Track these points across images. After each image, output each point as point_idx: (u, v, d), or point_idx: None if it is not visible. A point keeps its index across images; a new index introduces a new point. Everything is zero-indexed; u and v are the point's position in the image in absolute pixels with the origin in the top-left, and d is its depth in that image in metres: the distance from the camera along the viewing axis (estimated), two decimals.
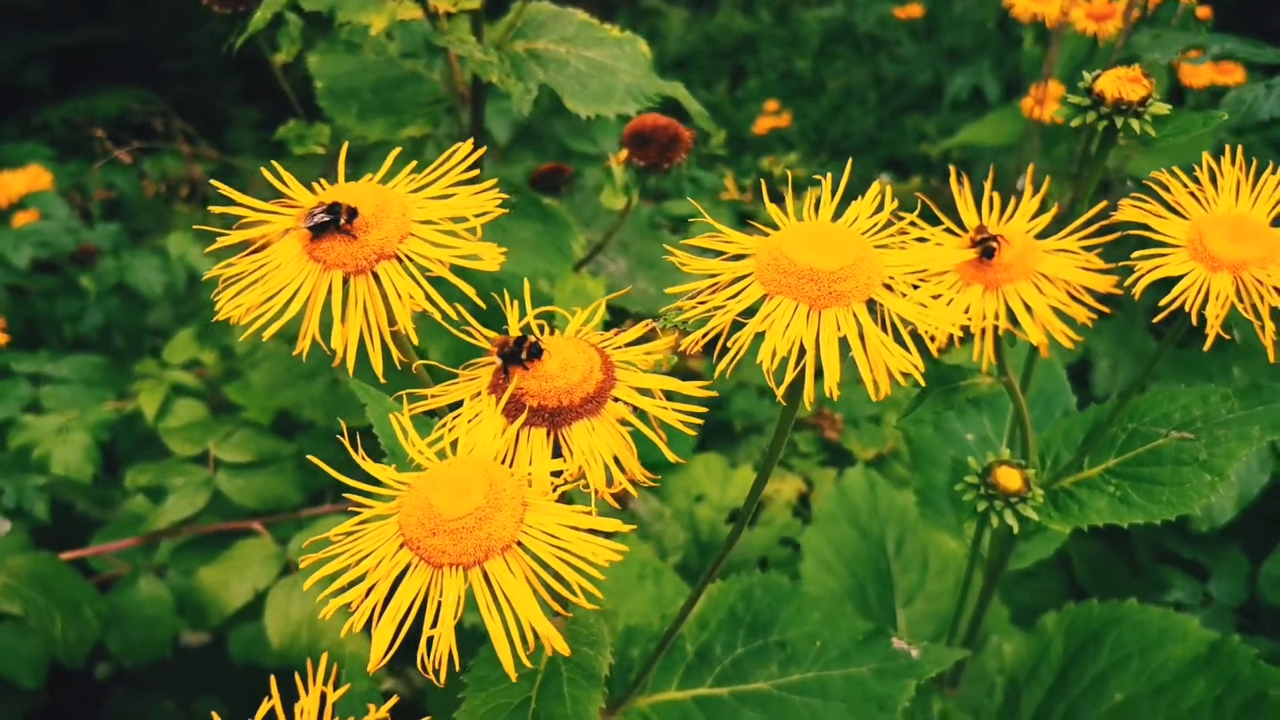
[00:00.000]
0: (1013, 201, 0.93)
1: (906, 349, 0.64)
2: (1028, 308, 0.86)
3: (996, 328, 0.87)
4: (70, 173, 2.92)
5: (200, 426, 1.61)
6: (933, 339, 0.88)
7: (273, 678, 0.72)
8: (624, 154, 1.31)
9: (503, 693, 0.75)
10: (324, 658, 0.73)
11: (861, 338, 0.63)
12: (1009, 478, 0.93)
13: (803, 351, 0.63)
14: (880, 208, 0.71)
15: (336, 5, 1.27)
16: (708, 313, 0.65)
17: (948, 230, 0.90)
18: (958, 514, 1.09)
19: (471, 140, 0.71)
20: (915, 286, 0.67)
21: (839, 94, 4.67)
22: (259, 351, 1.70)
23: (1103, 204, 0.89)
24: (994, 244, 0.86)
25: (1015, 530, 0.93)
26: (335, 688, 0.72)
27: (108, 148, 2.00)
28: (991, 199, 0.91)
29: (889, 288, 0.66)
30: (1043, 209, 0.92)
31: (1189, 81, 2.25)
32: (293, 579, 1.42)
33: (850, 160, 0.78)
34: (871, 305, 0.65)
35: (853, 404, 2.02)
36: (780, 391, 0.63)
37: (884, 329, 0.64)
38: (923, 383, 0.67)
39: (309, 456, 0.71)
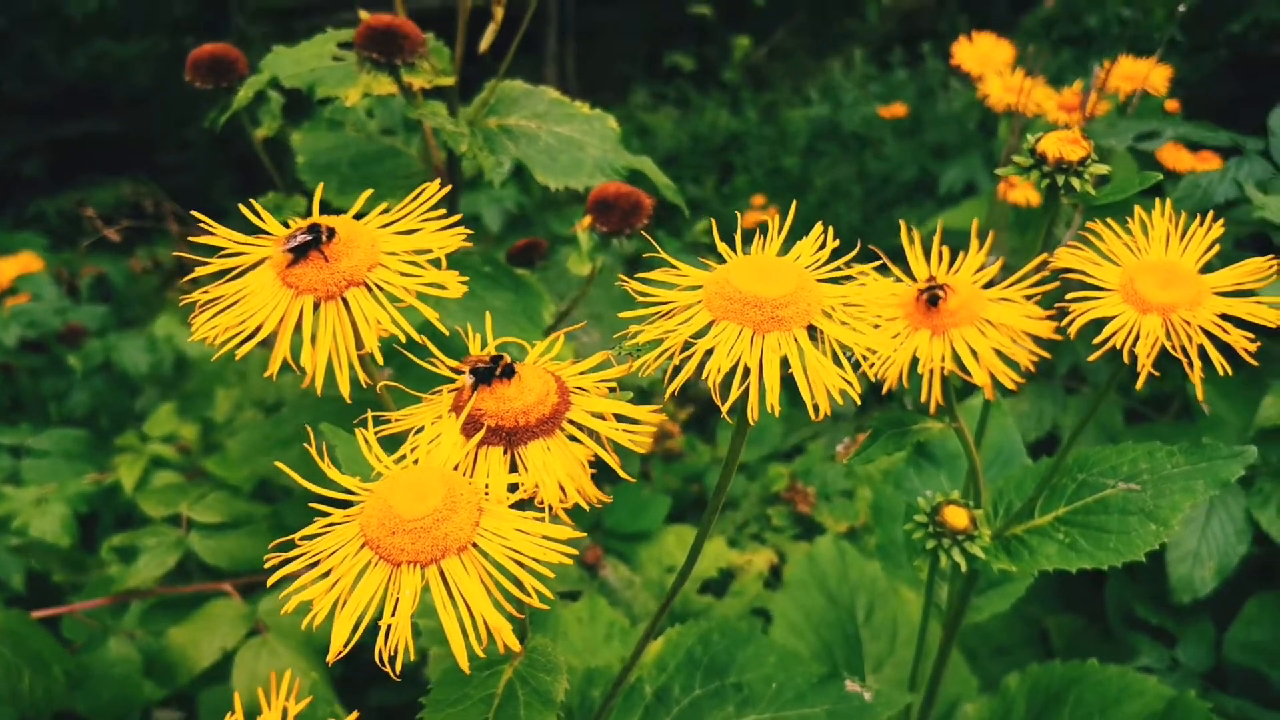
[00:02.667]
0: (961, 255, 0.98)
1: (848, 375, 0.68)
2: (973, 351, 0.90)
3: (945, 371, 0.91)
4: (64, 260, 2.99)
5: (175, 489, 1.63)
6: (883, 381, 0.93)
7: (236, 694, 0.74)
8: (588, 220, 1.36)
9: (460, 714, 0.77)
10: (290, 682, 0.74)
11: (802, 359, 0.67)
12: (956, 516, 0.96)
13: (747, 371, 0.67)
14: (823, 246, 0.75)
15: (315, 81, 1.32)
16: (660, 336, 0.69)
17: (898, 280, 0.95)
18: (914, 557, 1.12)
19: (439, 180, 0.76)
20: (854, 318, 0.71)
21: (825, 190, 4.79)
22: (237, 420, 1.72)
23: (1043, 256, 0.94)
24: (940, 291, 0.91)
25: (963, 568, 0.95)
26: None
27: (97, 225, 2.05)
28: (940, 253, 0.96)
29: (828, 316, 0.70)
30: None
31: (1173, 166, 2.32)
32: (261, 639, 1.43)
33: (795, 203, 0.83)
34: (812, 331, 0.69)
35: (826, 478, 2.05)
36: (725, 408, 0.67)
37: (824, 353, 0.68)
38: (858, 401, 0.71)
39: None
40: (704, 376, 0.66)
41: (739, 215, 1.07)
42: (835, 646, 1.50)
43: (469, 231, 0.73)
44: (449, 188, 0.75)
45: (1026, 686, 1.33)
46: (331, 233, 0.70)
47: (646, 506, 1.89)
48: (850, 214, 4.55)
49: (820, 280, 0.72)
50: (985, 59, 2.69)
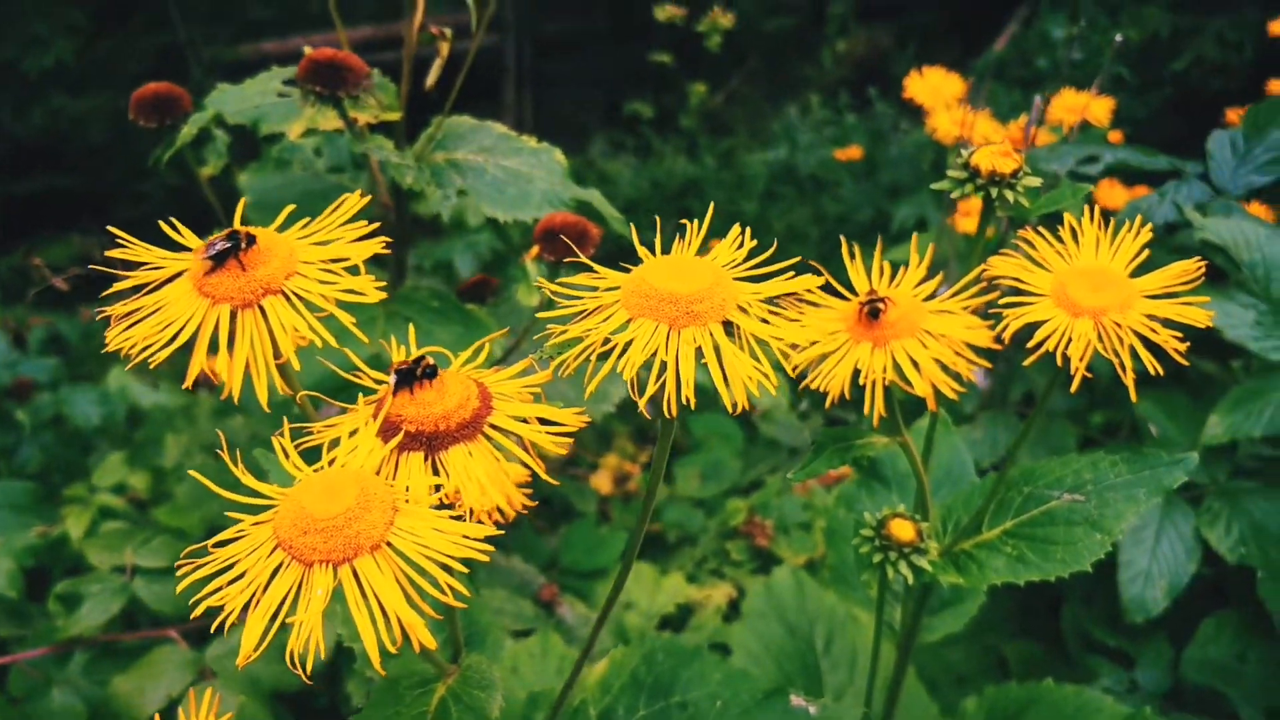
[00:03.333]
0: (902, 270, 0.98)
1: (764, 368, 0.67)
2: (914, 362, 0.90)
3: (886, 382, 0.91)
4: (15, 316, 2.95)
5: (120, 534, 1.60)
6: (825, 393, 0.92)
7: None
8: (535, 250, 1.36)
9: None
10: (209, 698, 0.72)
11: (717, 353, 0.67)
12: (902, 529, 0.96)
13: (664, 367, 0.66)
14: (740, 246, 0.75)
15: (260, 117, 1.32)
16: (580, 335, 0.69)
17: (840, 296, 0.95)
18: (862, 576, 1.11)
19: (359, 191, 0.75)
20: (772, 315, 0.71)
21: (784, 233, 4.82)
22: (186, 465, 1.70)
23: (981, 268, 0.94)
24: (880, 303, 0.90)
25: (910, 580, 0.94)
26: None
27: (45, 274, 2.02)
28: (882, 268, 0.96)
29: (744, 311, 0.69)
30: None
31: (1105, 203, 2.36)
32: (207, 686, 1.40)
33: (712, 204, 0.83)
34: (729, 327, 0.69)
35: (784, 511, 2.04)
36: (642, 402, 0.66)
37: (741, 347, 0.68)
38: (774, 393, 0.70)
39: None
40: (619, 370, 0.66)
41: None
42: (795, 676, 1.49)
43: (387, 240, 0.73)
44: (369, 198, 0.74)
45: (984, 709, 1.32)
46: (251, 239, 0.69)
47: (602, 544, 1.88)
48: (808, 255, 4.59)
49: (737, 279, 0.72)
50: (936, 92, 2.74)
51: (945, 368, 0.91)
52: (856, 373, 0.90)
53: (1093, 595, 1.72)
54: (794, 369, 0.88)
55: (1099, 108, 2.50)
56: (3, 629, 1.70)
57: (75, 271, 2.20)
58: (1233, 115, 2.38)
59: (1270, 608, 1.51)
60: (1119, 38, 2.05)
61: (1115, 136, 2.60)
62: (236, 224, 0.75)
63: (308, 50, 1.25)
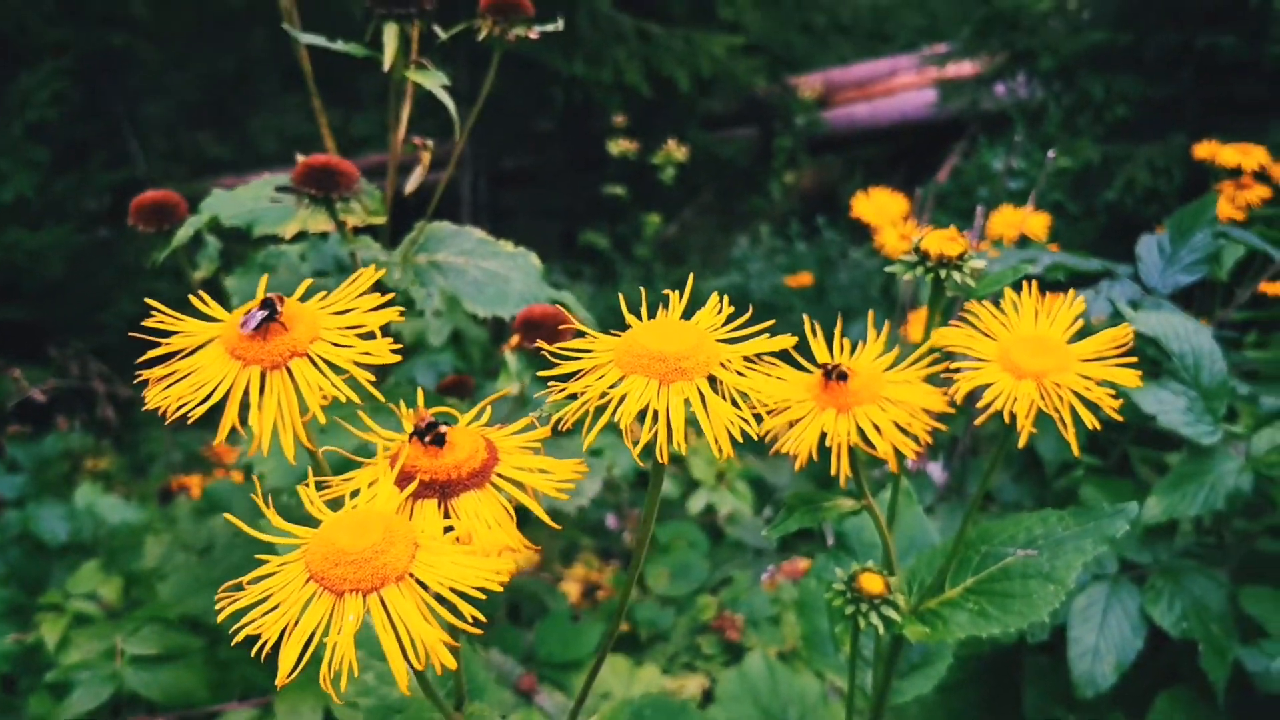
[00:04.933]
0: (860, 344, 1.07)
1: (745, 415, 0.75)
2: (876, 427, 0.98)
3: (850, 444, 0.98)
4: None
5: (108, 624, 1.61)
6: (795, 457, 0.99)
7: None
8: (515, 340, 1.44)
9: None
10: None
11: (703, 403, 0.75)
12: (871, 582, 1.03)
13: (655, 417, 0.74)
14: (720, 312, 0.83)
15: (254, 220, 1.40)
16: (578, 391, 0.76)
17: (804, 369, 1.03)
18: (837, 645, 1.17)
19: (373, 266, 0.83)
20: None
21: None
22: (169, 564, 1.73)
23: (933, 340, 1.03)
24: (842, 370, 0.99)
25: (881, 630, 1.01)
26: None
27: (23, 387, 2.07)
28: (843, 344, 1.05)
29: (726, 367, 0.78)
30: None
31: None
32: None
33: (692, 275, 0.92)
34: (712, 381, 0.77)
35: (754, 606, 2.09)
36: (636, 451, 0.73)
37: (724, 398, 0.76)
38: (755, 434, 0.78)
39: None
40: (617, 419, 0.73)
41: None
42: None
43: (401, 309, 0.80)
44: (382, 272, 0.82)
45: None
46: (281, 300, 0.76)
47: (577, 636, 1.91)
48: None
49: (719, 340, 0.80)
50: (882, 211, 2.88)
51: (904, 431, 1.00)
52: (823, 437, 0.98)
53: (1054, 675, 1.78)
54: (765, 435, 0.95)
55: (1036, 223, 2.66)
56: None
57: (53, 384, 2.25)
58: (1161, 230, 2.55)
59: (1212, 679, 1.58)
60: (1051, 154, 2.19)
61: (1053, 247, 2.75)
62: (261, 296, 0.82)
63: (300, 157, 1.34)
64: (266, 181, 1.49)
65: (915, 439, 1.00)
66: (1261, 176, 2.68)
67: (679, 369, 0.76)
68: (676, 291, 0.86)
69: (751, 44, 6.38)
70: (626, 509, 3.19)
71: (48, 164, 4.72)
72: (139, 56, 5.20)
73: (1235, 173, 2.68)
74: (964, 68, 5.51)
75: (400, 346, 0.78)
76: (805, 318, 1.08)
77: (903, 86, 7.86)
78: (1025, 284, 1.02)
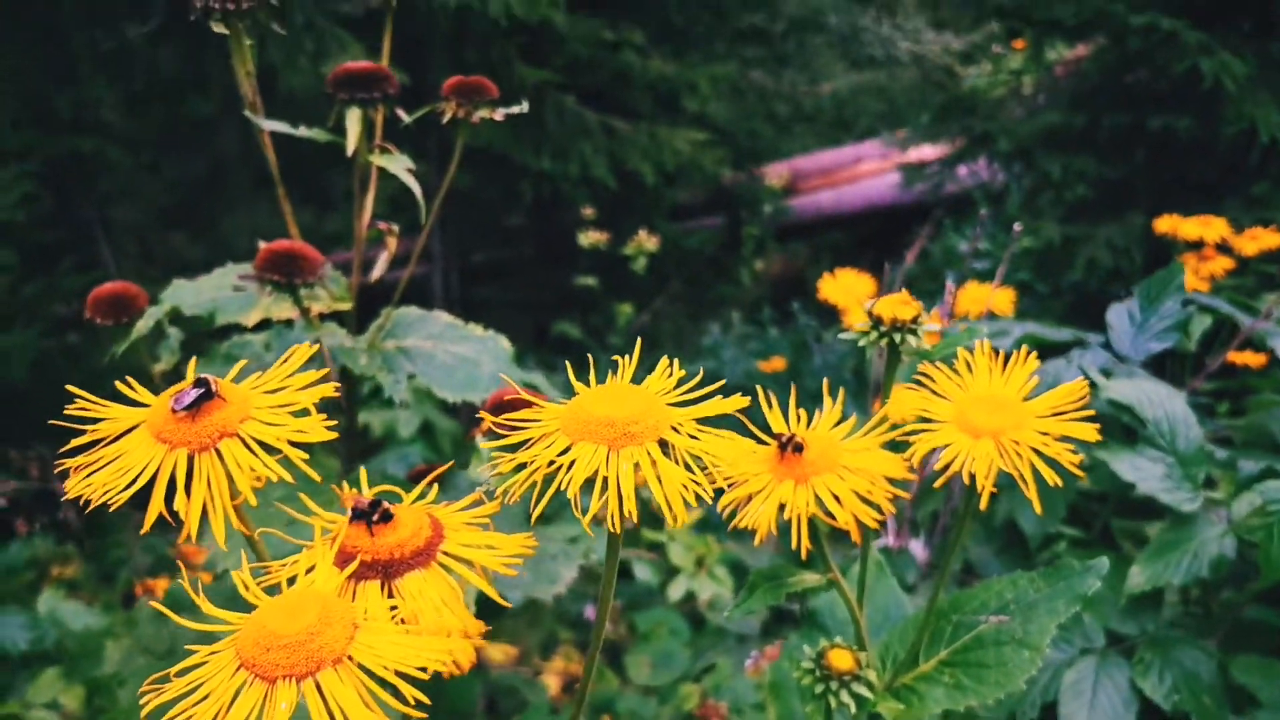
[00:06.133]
0: (817, 413, 1.05)
1: (699, 479, 0.72)
2: (835, 496, 0.95)
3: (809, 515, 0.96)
4: None
5: None
6: (753, 531, 0.97)
7: None
8: (486, 424, 1.41)
9: None
10: None
11: (655, 468, 0.72)
12: (840, 659, 0.99)
13: (605, 484, 0.71)
14: (670, 375, 0.81)
15: (216, 309, 1.38)
16: (526, 460, 0.74)
17: (760, 441, 1.01)
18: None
19: (309, 342, 0.81)
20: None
21: None
22: (128, 669, 1.67)
23: (890, 404, 1.01)
24: (799, 441, 0.97)
25: (852, 709, 0.97)
26: None
27: None
28: (798, 414, 1.03)
29: (677, 431, 0.75)
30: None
31: None
32: None
33: (640, 339, 0.90)
34: (664, 446, 0.74)
35: (737, 693, 2.04)
36: (586, 520, 0.71)
37: (676, 462, 0.73)
38: (710, 500, 0.75)
39: None
40: (563, 488, 0.70)
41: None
42: None
43: (336, 385, 0.78)
44: (316, 347, 0.80)
45: None
46: (216, 382, 0.74)
47: None
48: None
49: (670, 404, 0.78)
50: (849, 291, 2.89)
51: (866, 500, 0.97)
52: (782, 509, 0.96)
53: None
54: (723, 510, 0.93)
55: (1001, 299, 2.67)
56: None
57: (14, 485, 2.20)
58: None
59: None
60: (1017, 228, 2.20)
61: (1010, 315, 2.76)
62: (190, 375, 0.80)
63: (262, 243, 1.32)
64: (229, 270, 1.47)
65: (877, 507, 0.97)
66: (1223, 248, 2.71)
67: (628, 433, 0.74)
68: (625, 357, 0.84)
69: (716, 135, 6.47)
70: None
71: (15, 267, 4.69)
72: (110, 160, 5.22)
73: (1197, 245, 2.71)
74: (925, 152, 5.60)
75: (334, 436, 0.75)
76: (759, 389, 1.06)
77: (867, 173, 7.98)
78: (979, 345, 1.01)
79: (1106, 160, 4.31)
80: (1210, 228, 2.64)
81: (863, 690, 0.98)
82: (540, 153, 5.98)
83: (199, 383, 0.73)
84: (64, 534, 2.79)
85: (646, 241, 5.14)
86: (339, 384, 1.54)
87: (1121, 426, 1.92)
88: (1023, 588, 1.08)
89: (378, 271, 1.46)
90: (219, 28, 1.25)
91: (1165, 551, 1.71)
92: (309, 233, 1.53)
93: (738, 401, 0.81)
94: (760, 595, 0.99)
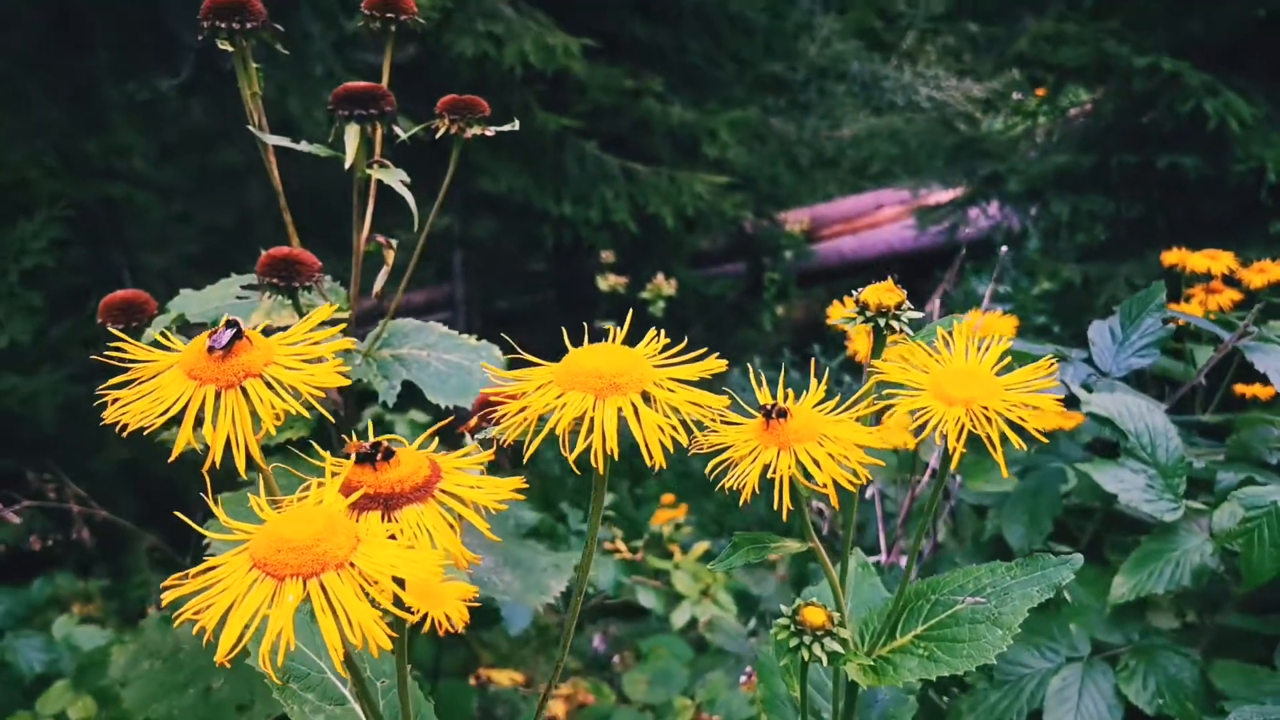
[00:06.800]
0: (805, 393, 1.12)
1: (676, 424, 0.80)
2: (815, 461, 1.02)
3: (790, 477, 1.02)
4: None
5: None
6: (738, 493, 1.03)
7: None
8: (474, 421, 1.48)
9: None
10: None
11: (637, 415, 0.80)
12: (814, 615, 1.05)
13: (592, 426, 0.79)
14: (656, 342, 0.89)
15: (220, 316, 1.45)
16: (521, 407, 0.81)
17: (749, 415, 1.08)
18: (795, 707, 1.18)
19: (326, 303, 0.88)
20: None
21: (734, 489, 4.96)
22: (134, 671, 1.73)
23: (873, 381, 1.08)
24: (783, 409, 1.04)
25: (824, 662, 1.03)
26: None
27: None
28: (786, 393, 1.10)
29: (659, 386, 0.83)
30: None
31: None
32: None
33: (630, 311, 0.97)
34: (647, 399, 0.82)
35: (731, 707, 2.08)
36: (572, 457, 0.78)
37: (657, 412, 0.81)
38: (685, 442, 0.82)
39: None
40: (554, 427, 0.78)
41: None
42: None
43: (354, 339, 0.86)
44: (336, 305, 0.87)
45: None
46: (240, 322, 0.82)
47: None
48: (759, 506, 4.73)
49: (655, 365, 0.86)
50: (860, 327, 2.94)
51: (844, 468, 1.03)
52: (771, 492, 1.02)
53: None
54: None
55: (1004, 325, 2.73)
56: None
57: (28, 503, 2.28)
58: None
59: None
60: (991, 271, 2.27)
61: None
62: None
63: (264, 251, 1.40)
64: (233, 280, 1.55)
65: (854, 474, 1.03)
66: (1230, 280, 2.76)
67: (614, 384, 0.81)
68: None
69: (737, 181, 6.57)
70: (612, 632, 3.19)
71: (44, 311, 4.80)
72: (139, 207, 5.34)
73: (1206, 278, 2.76)
74: (938, 194, 5.68)
75: (347, 382, 0.83)
76: (749, 366, 1.13)
77: (888, 219, 8.08)
78: (956, 326, 1.08)
79: (1118, 199, 4.37)
80: (1217, 260, 2.69)
81: (834, 645, 1.04)
82: (561, 198, 6.09)
83: (230, 324, 0.81)
84: (79, 552, 2.86)
85: (664, 286, 5.22)
86: (340, 393, 1.62)
87: (1103, 443, 1.99)
88: (1000, 574, 1.14)
89: (379, 285, 1.54)
90: (224, 45, 1.34)
91: (1148, 561, 1.76)
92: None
93: (714, 364, 0.88)
94: (742, 554, 1.06)
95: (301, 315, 1.42)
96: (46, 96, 4.71)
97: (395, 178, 1.45)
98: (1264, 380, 2.29)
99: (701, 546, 3.26)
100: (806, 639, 1.04)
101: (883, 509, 2.38)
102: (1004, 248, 3.94)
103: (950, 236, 5.67)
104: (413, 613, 0.70)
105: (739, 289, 7.93)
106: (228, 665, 0.68)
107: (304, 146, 1.44)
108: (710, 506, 5.02)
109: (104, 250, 5.78)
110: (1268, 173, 3.94)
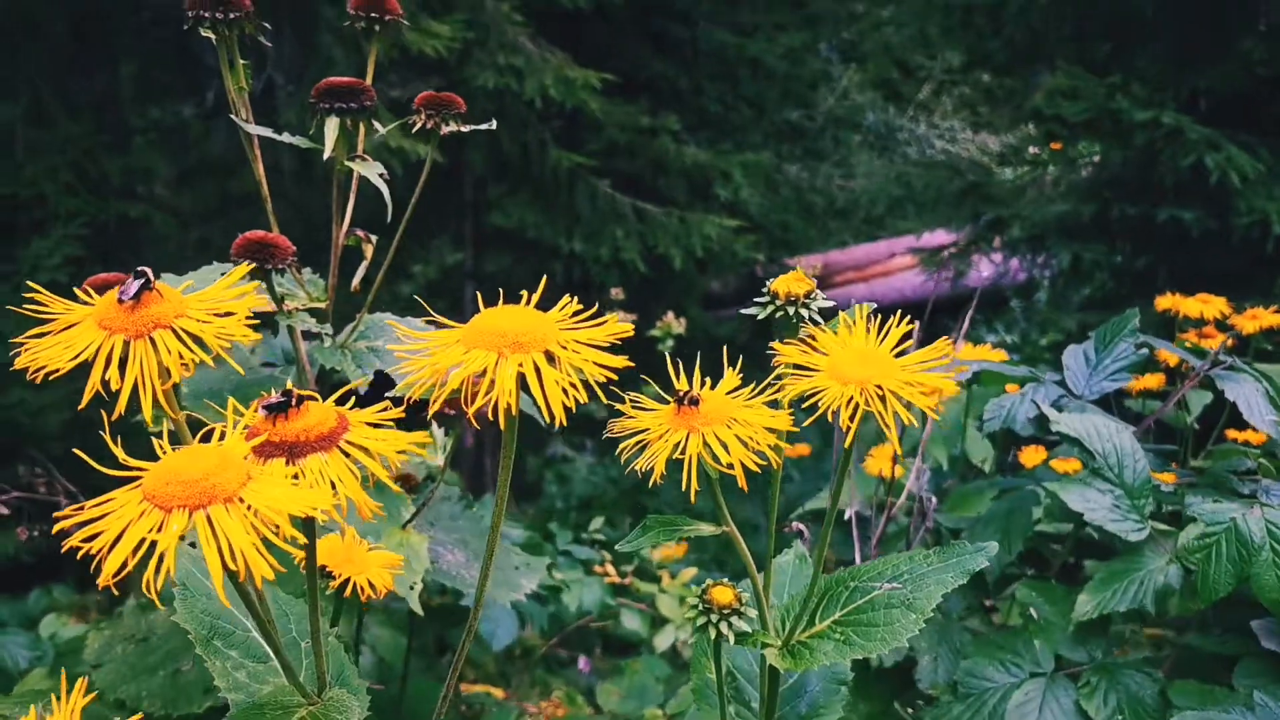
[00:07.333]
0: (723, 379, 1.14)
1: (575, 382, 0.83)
2: (723, 443, 1.05)
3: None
4: None
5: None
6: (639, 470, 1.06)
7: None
8: (436, 405, 1.51)
9: None
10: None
11: (537, 374, 0.83)
12: (721, 594, 1.08)
13: (493, 384, 0.82)
14: (566, 309, 0.92)
15: None
16: (427, 363, 0.85)
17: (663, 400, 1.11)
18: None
19: (246, 263, 0.92)
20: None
21: (741, 523, 4.99)
22: (107, 655, 1.76)
23: (779, 368, 1.10)
24: (694, 396, 1.06)
25: (731, 639, 1.05)
26: None
27: None
28: (703, 380, 1.13)
29: (563, 348, 0.86)
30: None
31: None
32: None
33: (545, 279, 1.00)
34: (551, 359, 0.85)
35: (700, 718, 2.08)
36: (471, 411, 0.81)
37: (560, 372, 0.84)
38: (585, 400, 0.85)
39: None
40: (452, 381, 0.81)
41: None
42: None
43: (267, 298, 0.89)
44: (253, 265, 0.91)
45: None
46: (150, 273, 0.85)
47: None
48: (758, 545, 4.73)
49: (563, 329, 0.89)
50: None
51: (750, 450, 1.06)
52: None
53: None
54: (620, 453, 1.03)
55: (997, 356, 2.75)
56: None
57: (16, 494, 2.32)
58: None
59: None
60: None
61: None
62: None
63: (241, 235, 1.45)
64: (215, 267, 1.59)
65: (762, 456, 1.06)
66: (1223, 326, 2.78)
67: (517, 343, 0.84)
68: (529, 294, 0.95)
69: (749, 225, 6.63)
70: (598, 652, 3.19)
71: None
72: (157, 231, 5.44)
73: (1200, 323, 2.78)
74: (940, 237, 5.70)
75: (257, 322, 0.86)
76: (665, 354, 1.16)
77: (899, 267, 8.10)
78: (858, 309, 1.10)
79: (1121, 250, 4.39)
80: (1209, 305, 2.71)
81: (742, 625, 1.06)
82: (572, 235, 6.17)
83: (138, 274, 0.85)
84: (63, 536, 2.90)
85: (674, 324, 5.25)
86: (316, 379, 1.66)
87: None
88: (918, 562, 1.16)
89: (357, 279, 1.58)
90: (207, 33, 1.39)
91: (1113, 580, 1.77)
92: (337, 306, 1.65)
93: (620, 326, 0.91)
94: (652, 535, 1.08)
95: (273, 296, 1.47)
96: (67, 112, 4.82)
97: (373, 170, 1.48)
98: (1255, 427, 2.31)
99: (689, 573, 3.27)
100: (714, 617, 1.07)
101: (859, 531, 2.40)
102: (1014, 301, 3.97)
103: (957, 283, 5.69)
104: (300, 547, 0.72)
105: (749, 331, 7.95)
106: (134, 600, 0.71)
107: (286, 138, 1.47)
108: (713, 543, 5.03)
109: (120, 270, 5.86)
110: (1272, 226, 3.95)
